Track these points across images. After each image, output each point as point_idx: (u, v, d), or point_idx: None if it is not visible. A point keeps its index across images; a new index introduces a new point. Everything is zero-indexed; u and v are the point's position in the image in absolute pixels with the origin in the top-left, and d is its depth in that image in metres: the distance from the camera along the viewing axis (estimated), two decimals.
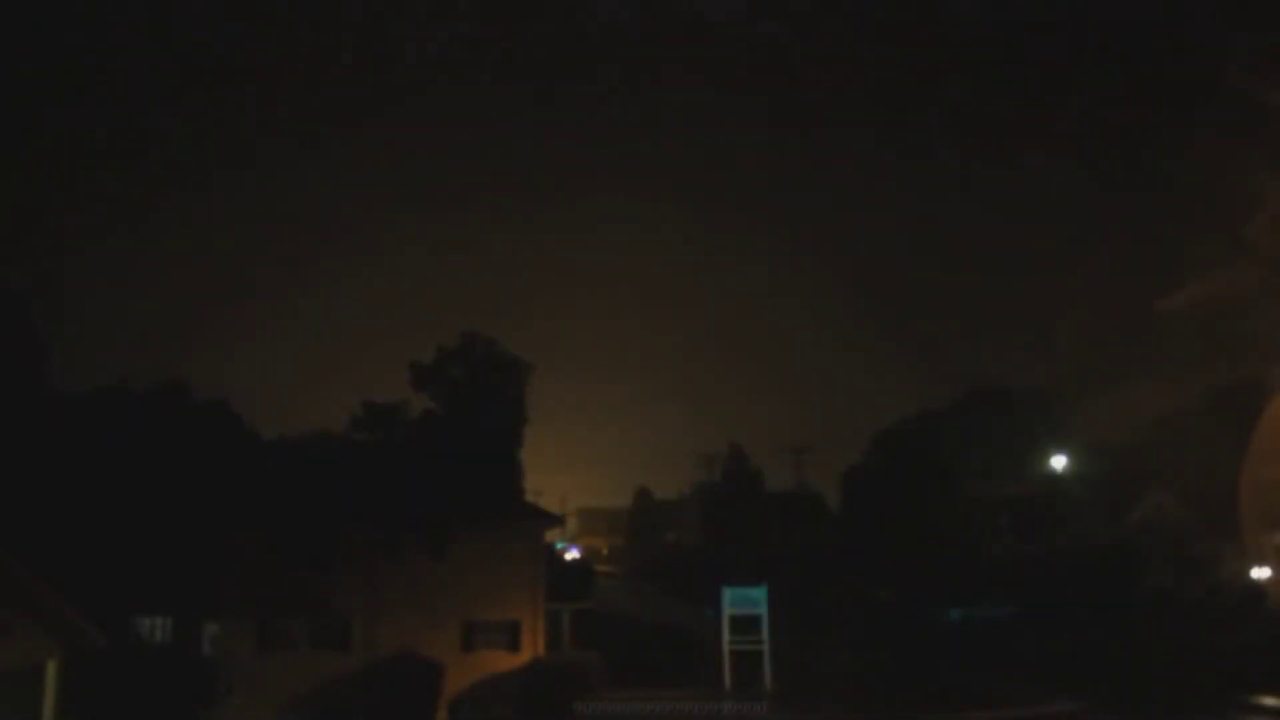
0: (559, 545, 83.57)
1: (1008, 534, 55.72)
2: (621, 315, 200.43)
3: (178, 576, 34.53)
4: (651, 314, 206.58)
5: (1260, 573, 43.84)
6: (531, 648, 33.89)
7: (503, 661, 33.57)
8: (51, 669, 19.62)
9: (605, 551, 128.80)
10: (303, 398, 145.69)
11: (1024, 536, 54.51)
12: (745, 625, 36.22)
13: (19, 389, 36.82)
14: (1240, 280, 44.92)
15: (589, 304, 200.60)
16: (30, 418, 35.67)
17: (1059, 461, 52.98)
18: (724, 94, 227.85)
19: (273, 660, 32.74)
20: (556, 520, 44.88)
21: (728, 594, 36.98)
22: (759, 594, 36.75)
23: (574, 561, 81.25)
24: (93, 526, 33.77)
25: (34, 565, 17.99)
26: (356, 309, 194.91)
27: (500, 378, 54.18)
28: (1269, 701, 30.28)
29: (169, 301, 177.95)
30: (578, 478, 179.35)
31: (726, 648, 36.01)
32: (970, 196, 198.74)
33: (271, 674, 32.22)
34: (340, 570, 33.54)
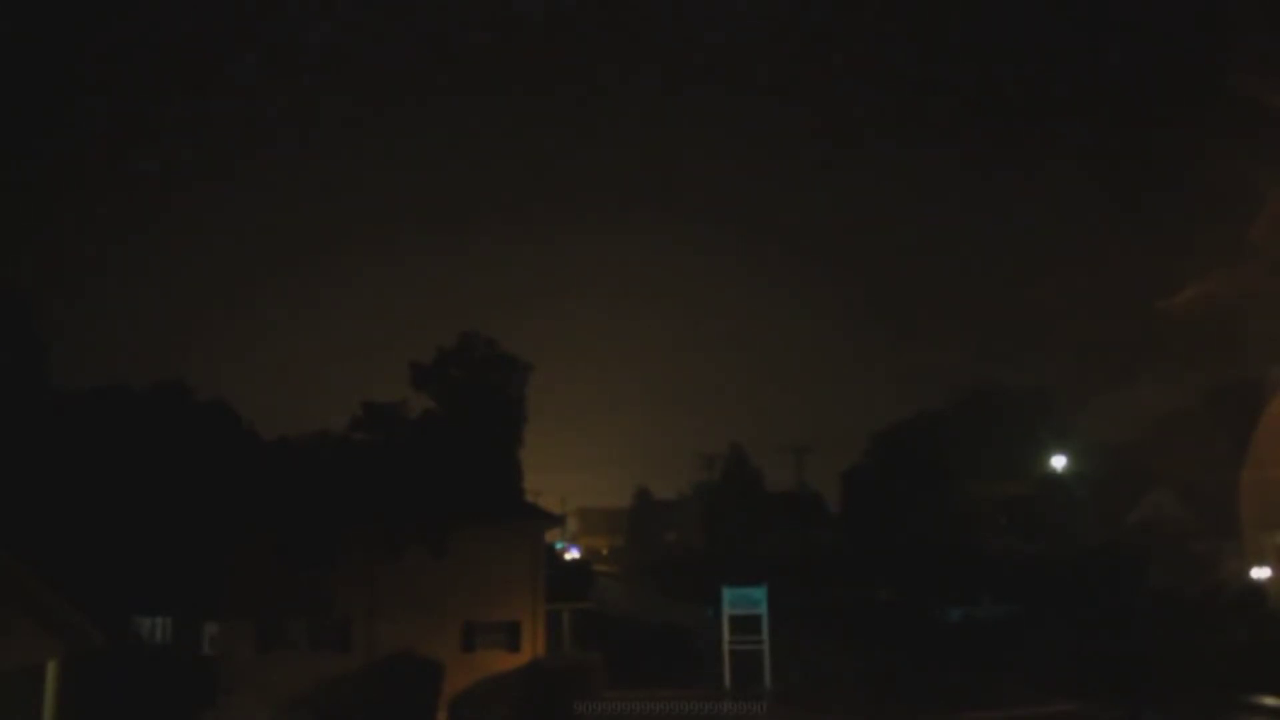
0: (559, 545, 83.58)
1: (1008, 534, 55.69)
2: (621, 315, 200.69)
3: (178, 576, 34.56)
4: (651, 315, 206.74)
5: (1260, 572, 43.74)
6: (531, 648, 33.87)
7: (503, 661, 33.56)
8: (51, 669, 19.57)
9: (605, 551, 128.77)
10: (303, 398, 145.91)
11: (1024, 536, 54.48)
12: (745, 625, 36.24)
13: (19, 389, 36.88)
14: (1240, 280, 44.87)
15: (588, 304, 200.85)
16: (30, 417, 35.71)
17: (1059, 461, 52.96)
18: (724, 98, 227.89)
19: (273, 660, 32.71)
20: (556, 520, 44.85)
21: (728, 594, 37.00)
22: (759, 594, 36.78)
23: (574, 561, 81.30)
24: (93, 526, 33.82)
25: (34, 565, 17.97)
26: (356, 309, 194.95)
27: (500, 378, 54.22)
28: (1269, 701, 30.28)
29: (169, 301, 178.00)
30: (578, 478, 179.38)
31: (726, 648, 36.02)
32: (971, 197, 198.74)
33: (271, 674, 32.18)
34: (340, 570, 33.59)
